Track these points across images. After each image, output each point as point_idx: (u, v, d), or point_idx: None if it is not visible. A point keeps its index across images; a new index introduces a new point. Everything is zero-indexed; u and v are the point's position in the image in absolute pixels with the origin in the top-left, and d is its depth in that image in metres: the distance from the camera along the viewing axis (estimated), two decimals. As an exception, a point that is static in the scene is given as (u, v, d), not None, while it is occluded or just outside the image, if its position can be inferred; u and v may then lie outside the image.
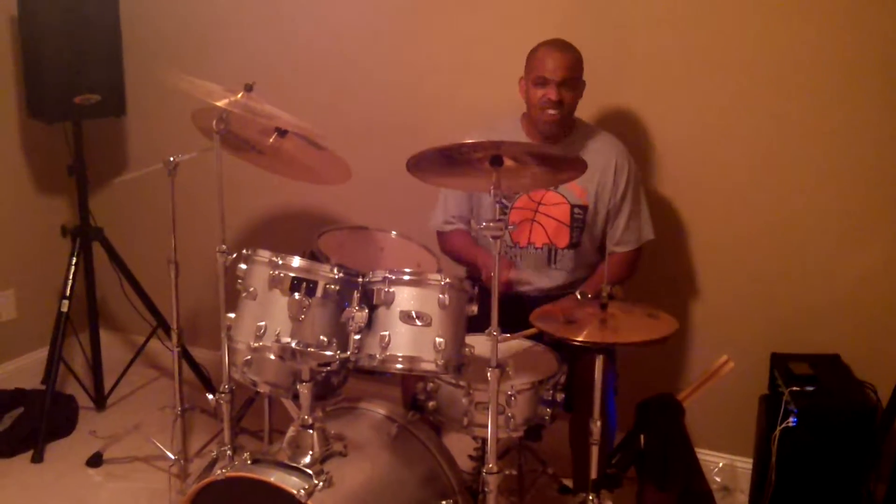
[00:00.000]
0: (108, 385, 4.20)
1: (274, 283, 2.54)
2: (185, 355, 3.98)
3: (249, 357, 2.63)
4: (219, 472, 2.51)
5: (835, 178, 3.29)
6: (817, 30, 3.22)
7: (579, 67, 3.15)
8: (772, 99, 3.32)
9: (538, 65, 3.13)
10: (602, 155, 3.21)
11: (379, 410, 2.89)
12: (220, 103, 2.76)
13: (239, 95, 2.85)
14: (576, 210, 3.22)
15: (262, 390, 2.75)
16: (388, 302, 2.53)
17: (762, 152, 3.37)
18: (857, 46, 3.18)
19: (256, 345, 2.54)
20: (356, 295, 2.56)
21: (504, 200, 3.25)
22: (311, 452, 2.52)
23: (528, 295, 3.24)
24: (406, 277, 2.55)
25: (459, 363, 2.58)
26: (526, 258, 3.27)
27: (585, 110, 3.29)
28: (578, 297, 2.85)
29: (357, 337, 2.53)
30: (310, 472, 2.45)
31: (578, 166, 2.53)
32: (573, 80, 3.13)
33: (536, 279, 3.27)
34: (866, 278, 3.31)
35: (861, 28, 3.16)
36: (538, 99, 3.14)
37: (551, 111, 3.13)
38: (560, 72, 3.09)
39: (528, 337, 2.92)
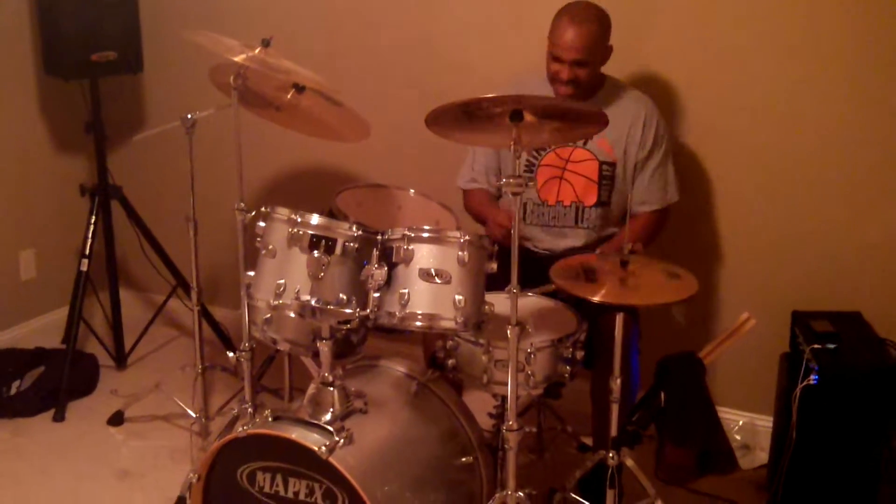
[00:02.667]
0: (128, 344, 4.22)
1: (293, 240, 2.54)
2: (204, 314, 3.99)
3: (269, 315, 2.64)
4: (240, 429, 2.52)
5: (858, 133, 3.25)
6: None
7: (597, 42, 3.07)
8: (792, 55, 3.27)
9: (555, 38, 3.07)
10: (630, 111, 3.18)
11: (399, 368, 2.89)
12: (237, 59, 2.75)
13: (256, 51, 2.83)
14: (604, 167, 3.19)
15: (281, 348, 2.76)
16: (408, 259, 2.52)
17: (784, 109, 3.33)
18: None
19: (276, 303, 2.54)
20: (375, 253, 2.56)
21: (532, 158, 3.23)
22: (331, 410, 2.53)
23: (549, 254, 3.22)
24: (425, 235, 2.54)
25: (479, 321, 2.57)
26: (555, 217, 3.25)
27: (609, 65, 3.24)
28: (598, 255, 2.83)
29: (376, 295, 2.52)
30: (331, 429, 2.45)
31: (599, 120, 2.50)
32: (587, 59, 3.06)
33: (565, 239, 3.26)
34: (888, 235, 3.28)
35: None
36: (553, 72, 3.10)
37: (563, 87, 3.10)
38: (573, 52, 3.03)
39: (548, 293, 2.92)
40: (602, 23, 3.08)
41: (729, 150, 3.45)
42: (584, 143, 3.19)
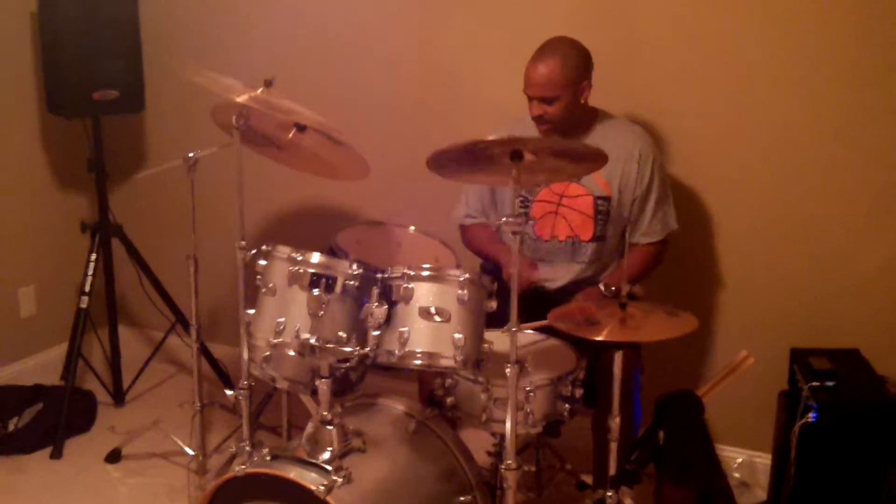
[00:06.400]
0: (126, 381, 4.22)
1: (293, 279, 2.54)
2: (203, 351, 3.97)
3: (268, 353, 2.64)
4: (238, 468, 2.52)
5: (852, 168, 3.27)
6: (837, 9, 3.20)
7: (561, 77, 3.06)
8: (786, 89, 3.30)
9: (524, 78, 3.11)
10: (624, 145, 3.18)
11: (397, 406, 2.88)
12: (239, 99, 2.77)
13: (258, 91, 2.85)
14: (599, 201, 3.20)
15: (280, 386, 2.76)
16: (407, 298, 2.52)
17: (777, 144, 3.35)
18: (879, 26, 3.16)
19: (276, 341, 2.54)
20: (375, 291, 2.56)
21: (526, 194, 3.24)
22: (329, 448, 2.53)
23: (549, 289, 3.23)
24: (425, 273, 2.54)
25: (478, 359, 2.58)
26: (550, 252, 3.26)
27: (598, 103, 3.27)
28: (602, 288, 2.84)
29: (376, 333, 2.53)
30: (329, 468, 2.45)
31: (599, 158, 2.53)
32: (552, 96, 3.07)
33: (560, 274, 3.26)
34: (886, 271, 3.29)
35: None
36: (529, 111, 3.14)
37: (538, 125, 3.14)
38: (536, 89, 3.07)
39: (545, 329, 2.92)
40: (567, 57, 3.07)
41: (723, 189, 3.47)
42: (579, 179, 3.20)
